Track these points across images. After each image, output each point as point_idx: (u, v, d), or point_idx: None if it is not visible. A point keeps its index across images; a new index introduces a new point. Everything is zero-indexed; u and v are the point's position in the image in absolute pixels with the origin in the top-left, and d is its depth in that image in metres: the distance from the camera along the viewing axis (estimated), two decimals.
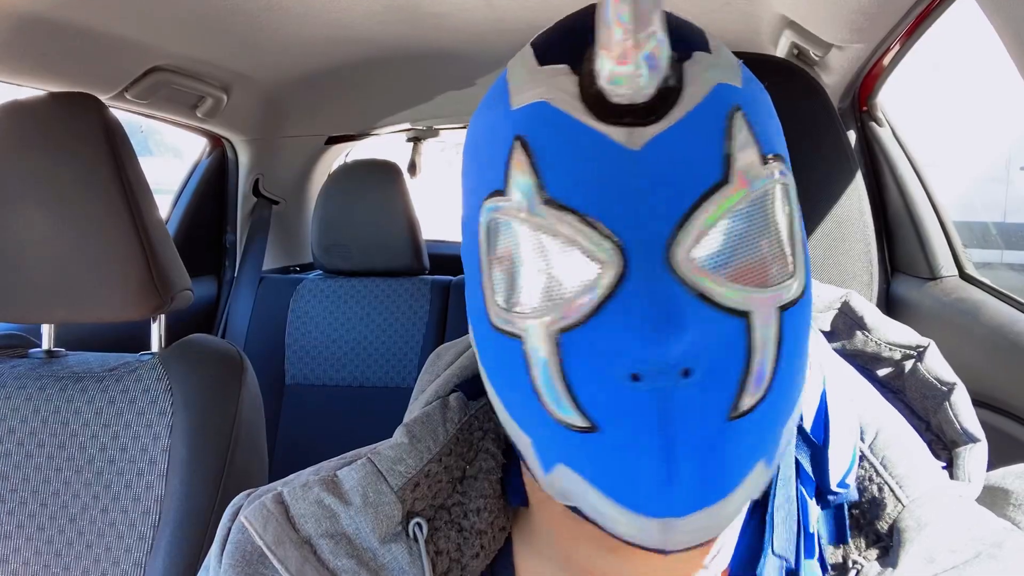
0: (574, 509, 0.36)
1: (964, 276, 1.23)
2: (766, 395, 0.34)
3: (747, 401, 0.33)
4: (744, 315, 0.33)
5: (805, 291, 0.36)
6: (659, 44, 0.31)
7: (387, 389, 1.75)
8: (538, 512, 0.43)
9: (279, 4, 1.25)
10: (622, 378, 0.32)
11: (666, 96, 0.33)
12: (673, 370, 0.32)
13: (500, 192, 0.35)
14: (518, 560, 0.44)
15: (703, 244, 0.33)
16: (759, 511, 0.42)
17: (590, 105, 0.33)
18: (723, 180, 0.33)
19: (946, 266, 1.24)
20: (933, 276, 1.24)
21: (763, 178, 0.34)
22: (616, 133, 0.33)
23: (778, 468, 0.41)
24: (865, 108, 1.35)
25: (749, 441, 0.34)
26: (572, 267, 0.33)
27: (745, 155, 0.34)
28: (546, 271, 0.34)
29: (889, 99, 1.34)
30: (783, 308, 0.35)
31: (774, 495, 0.41)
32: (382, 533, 0.40)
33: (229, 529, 0.44)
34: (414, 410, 0.47)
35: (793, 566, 0.40)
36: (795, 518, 0.41)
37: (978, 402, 0.98)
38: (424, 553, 0.40)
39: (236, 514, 0.44)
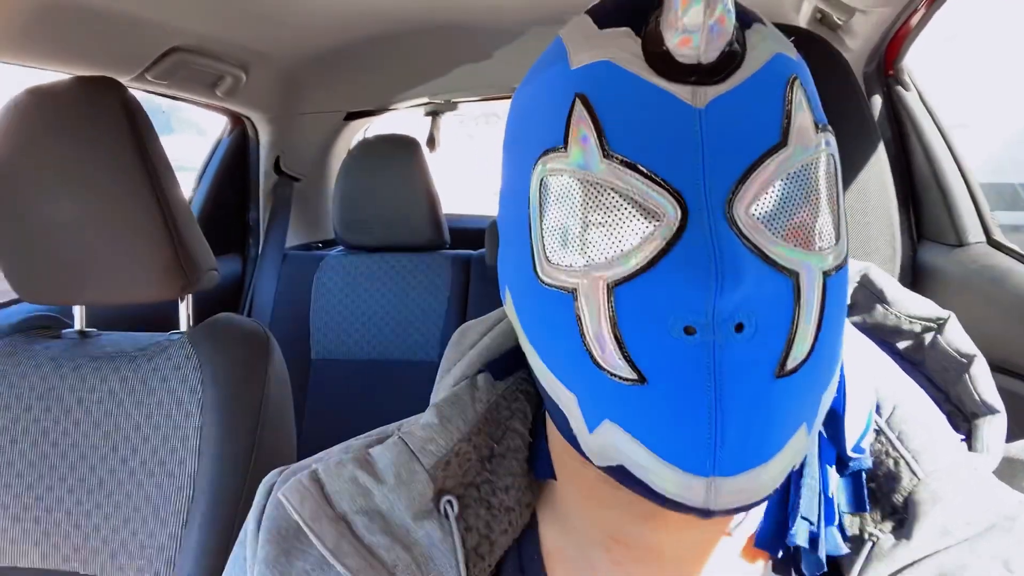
0: (614, 471, 0.36)
1: (992, 243, 1.21)
2: (809, 356, 0.35)
3: (793, 361, 0.34)
4: (794, 275, 0.34)
5: (845, 261, 0.37)
6: (726, 8, 0.32)
7: (410, 363, 1.77)
8: (566, 484, 0.44)
9: None
10: (675, 331, 0.33)
11: (729, 60, 0.34)
12: (727, 323, 0.32)
13: (558, 148, 0.36)
14: (543, 535, 0.45)
15: (760, 202, 0.34)
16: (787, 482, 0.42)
17: (654, 64, 0.34)
18: (781, 142, 0.34)
19: (973, 233, 1.22)
20: (960, 243, 1.22)
21: (816, 145, 0.35)
22: (681, 91, 0.33)
23: None
24: (891, 72, 1.31)
25: (794, 403, 0.34)
26: (631, 220, 0.34)
27: (801, 121, 0.35)
28: (604, 224, 0.35)
29: (916, 62, 1.31)
30: (827, 273, 0.35)
31: (802, 471, 0.41)
32: (415, 510, 0.42)
33: (264, 505, 0.45)
34: (440, 389, 0.49)
35: (817, 530, 0.40)
36: (817, 484, 0.41)
37: (1003, 369, 0.97)
38: (455, 529, 0.41)
39: (271, 490, 0.45)
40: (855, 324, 0.51)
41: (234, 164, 1.99)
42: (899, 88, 1.31)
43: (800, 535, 0.40)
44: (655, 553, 0.41)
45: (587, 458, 0.38)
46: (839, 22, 1.18)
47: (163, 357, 0.99)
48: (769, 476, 0.34)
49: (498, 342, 0.49)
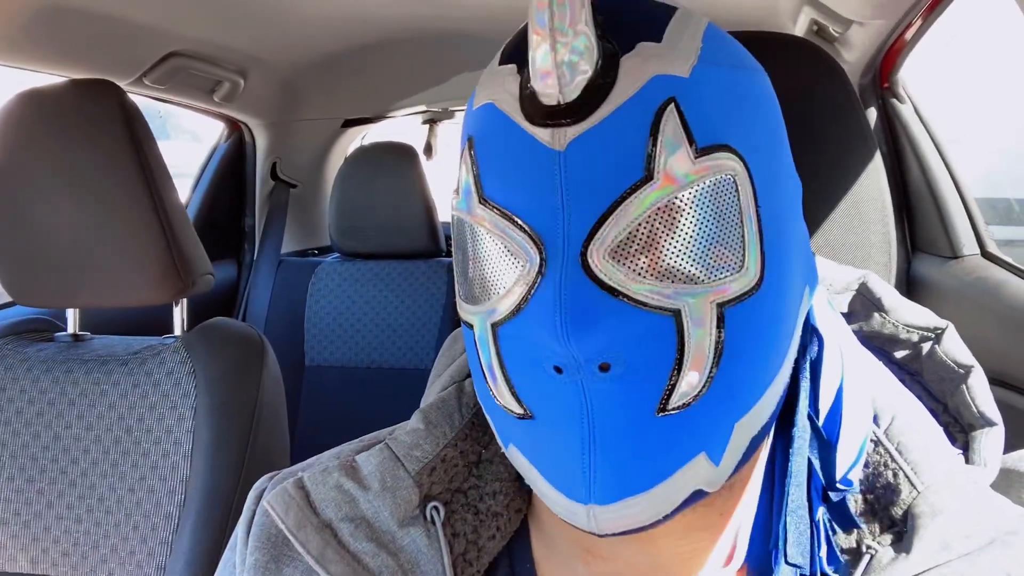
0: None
1: (986, 255, 1.21)
2: (705, 392, 0.34)
3: (679, 398, 0.34)
4: (673, 312, 0.33)
5: (761, 286, 0.35)
6: (582, 47, 0.31)
7: (404, 370, 1.77)
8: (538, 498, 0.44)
9: None
10: (547, 370, 0.34)
11: (591, 95, 0.33)
12: (589, 364, 0.33)
13: (455, 189, 0.38)
14: (534, 542, 0.45)
15: (625, 242, 0.33)
16: (771, 513, 0.42)
17: (524, 107, 0.34)
18: (646, 177, 0.33)
19: (968, 245, 1.22)
20: (954, 255, 1.23)
21: (694, 173, 0.33)
22: (542, 134, 0.33)
23: (790, 470, 0.41)
24: (886, 85, 1.32)
25: (682, 436, 0.34)
26: (502, 264, 0.35)
27: (673, 150, 0.33)
28: (484, 266, 0.36)
29: (911, 75, 1.32)
30: (723, 305, 0.34)
31: (787, 502, 0.40)
32: (400, 517, 0.42)
33: (254, 512, 0.45)
34: (431, 394, 0.48)
35: (808, 572, 0.40)
36: (807, 523, 0.41)
37: (999, 382, 0.98)
38: (441, 535, 0.41)
39: (260, 496, 0.45)
40: (852, 332, 0.50)
41: (231, 170, 1.99)
42: (894, 101, 1.32)
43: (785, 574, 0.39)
44: (632, 566, 0.41)
45: None
46: (835, 34, 1.19)
47: (156, 361, 0.99)
48: (649, 504, 0.34)
49: None
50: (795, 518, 0.40)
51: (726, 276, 0.34)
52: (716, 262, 0.34)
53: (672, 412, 0.34)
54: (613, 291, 0.33)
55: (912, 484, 0.40)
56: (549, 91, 0.32)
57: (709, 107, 0.34)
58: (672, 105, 0.33)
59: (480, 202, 0.35)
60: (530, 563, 0.44)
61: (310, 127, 2.10)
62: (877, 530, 0.41)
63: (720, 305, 0.34)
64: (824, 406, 0.42)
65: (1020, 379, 0.96)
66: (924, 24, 1.12)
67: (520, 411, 0.36)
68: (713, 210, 0.34)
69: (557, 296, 0.33)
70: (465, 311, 0.38)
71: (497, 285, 0.36)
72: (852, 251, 0.67)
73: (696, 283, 0.33)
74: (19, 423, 0.98)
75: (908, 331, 0.49)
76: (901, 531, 0.40)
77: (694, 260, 0.33)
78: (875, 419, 0.43)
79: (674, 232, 0.33)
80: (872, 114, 1.35)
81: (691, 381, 0.34)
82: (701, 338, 0.33)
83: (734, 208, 0.34)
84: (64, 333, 1.08)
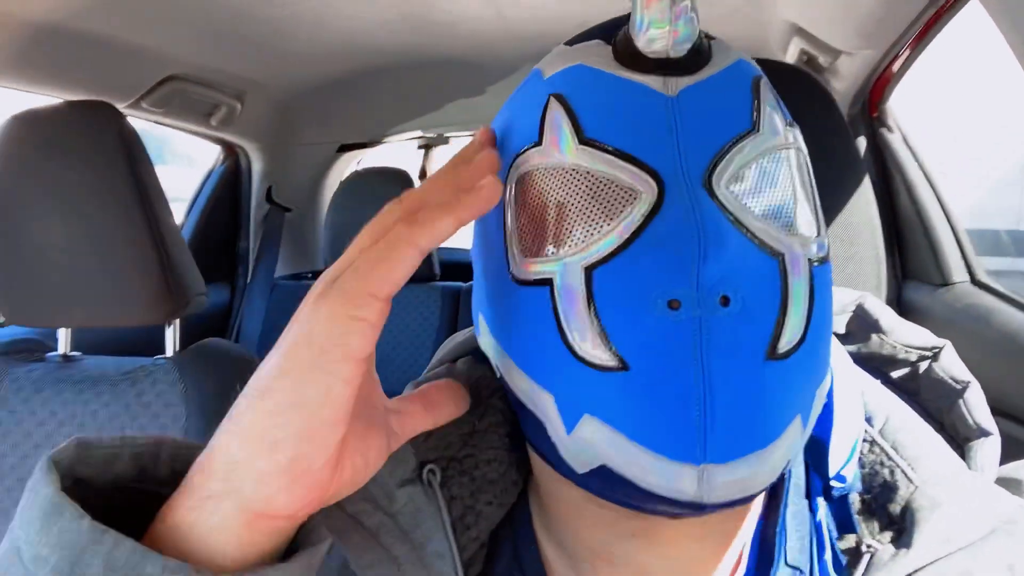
0: (595, 475, 0.35)
1: (976, 282, 1.22)
2: (802, 342, 0.34)
3: (785, 344, 0.33)
4: (778, 255, 0.34)
5: (827, 256, 0.37)
6: (692, 9, 0.33)
7: (397, 394, 1.76)
8: (553, 504, 0.43)
9: (293, 14, 1.27)
10: (658, 307, 0.32)
11: (697, 56, 0.35)
12: (712, 294, 0.31)
13: (534, 144, 0.36)
14: (539, 532, 0.44)
15: (738, 180, 0.34)
16: (771, 517, 0.42)
17: (624, 62, 0.35)
18: (753, 128, 0.35)
19: (957, 272, 1.23)
20: (944, 282, 1.24)
21: (789, 136, 0.36)
22: (652, 81, 0.34)
23: (789, 474, 0.41)
24: (875, 114, 1.34)
25: (788, 389, 0.33)
26: (606, 201, 0.34)
27: (772, 113, 0.36)
28: (578, 209, 0.35)
29: (900, 105, 1.34)
30: (812, 262, 0.35)
31: (786, 503, 0.41)
32: (399, 479, 0.41)
33: None
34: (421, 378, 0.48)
35: (807, 573, 0.40)
36: (807, 525, 0.41)
37: (991, 409, 0.98)
38: (439, 494, 0.41)
39: None
40: (851, 354, 0.50)
41: (226, 193, 1.99)
42: (883, 130, 1.34)
43: None
44: (643, 571, 0.40)
45: (566, 471, 0.36)
46: (824, 64, 1.21)
47: (147, 382, 0.98)
48: (766, 466, 0.32)
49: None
50: (795, 520, 0.40)
51: (811, 236, 0.36)
52: (806, 220, 0.36)
53: (779, 358, 0.33)
54: (736, 221, 0.33)
55: (909, 479, 0.40)
56: (658, 47, 0.34)
57: (776, 96, 0.38)
58: (763, 80, 0.37)
59: (580, 142, 0.35)
60: (536, 552, 0.43)
61: (306, 152, 2.12)
62: (876, 528, 0.41)
63: (810, 261, 0.35)
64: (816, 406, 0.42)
65: (1012, 406, 0.97)
66: (912, 54, 1.15)
67: (613, 362, 0.32)
68: (801, 173, 0.36)
69: (689, 218, 0.32)
70: (535, 268, 0.35)
71: (597, 224, 0.34)
72: (843, 276, 0.68)
73: (792, 233, 0.35)
74: (6, 444, 0.97)
75: (907, 351, 0.49)
76: (901, 527, 0.39)
77: (793, 212, 0.35)
78: (869, 420, 0.44)
79: (778, 181, 0.35)
80: (862, 143, 1.37)
81: (793, 327, 0.33)
82: (799, 287, 0.34)
83: (811, 179, 0.37)
84: (55, 353, 1.07)
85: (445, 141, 2.29)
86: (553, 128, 0.36)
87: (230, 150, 1.98)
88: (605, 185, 0.34)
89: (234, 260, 2.05)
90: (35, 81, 1.20)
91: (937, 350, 0.48)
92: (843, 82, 1.25)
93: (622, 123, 0.34)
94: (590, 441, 0.34)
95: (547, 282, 0.35)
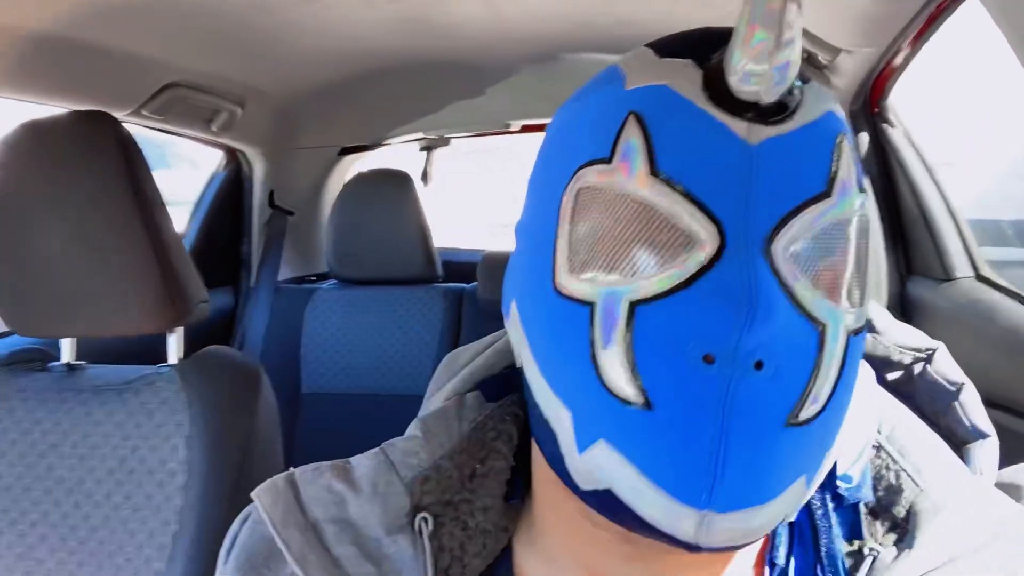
0: (599, 496, 0.35)
1: (979, 277, 1.22)
2: (823, 411, 0.34)
3: (806, 411, 0.34)
4: (820, 325, 0.34)
5: (864, 326, 0.37)
6: (793, 54, 0.32)
7: (401, 396, 1.76)
8: (546, 513, 0.43)
9: (292, 19, 1.27)
10: (693, 358, 0.32)
11: (786, 105, 0.34)
12: (748, 358, 0.32)
13: (604, 160, 0.35)
14: (518, 560, 0.44)
15: (798, 246, 0.34)
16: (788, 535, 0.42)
17: (713, 97, 0.34)
18: (826, 192, 0.34)
19: (961, 267, 1.23)
20: (948, 277, 1.24)
21: (857, 205, 0.35)
22: (736, 125, 0.34)
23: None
24: (877, 110, 1.34)
25: (799, 452, 0.34)
26: (666, 241, 0.34)
27: (846, 177, 0.35)
28: (636, 242, 0.34)
29: (901, 100, 1.33)
30: (850, 332, 0.35)
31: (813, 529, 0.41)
32: (388, 523, 0.41)
33: (237, 533, 0.44)
34: (430, 406, 0.48)
35: None
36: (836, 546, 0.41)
37: (994, 404, 0.98)
38: (428, 548, 0.40)
39: (247, 518, 0.45)
40: None
41: (228, 198, 2.00)
42: (885, 126, 1.34)
43: None
44: None
45: (569, 483, 0.37)
46: (825, 62, 1.21)
47: (151, 391, 0.99)
48: (762, 519, 0.33)
49: (491, 362, 0.48)
50: (827, 544, 0.41)
51: (855, 307, 0.36)
52: (852, 291, 0.36)
53: (798, 425, 0.33)
54: (786, 289, 0.33)
55: (915, 482, 0.41)
56: (751, 89, 0.33)
57: (855, 155, 0.37)
58: (846, 139, 0.36)
59: (651, 173, 0.34)
60: None
61: (307, 155, 2.12)
62: (880, 532, 0.41)
63: (848, 332, 0.35)
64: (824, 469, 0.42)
65: (1015, 400, 0.97)
66: (912, 51, 1.14)
67: (639, 399, 0.33)
68: (858, 244, 0.36)
69: (743, 282, 0.32)
70: (581, 288, 0.35)
71: (651, 262, 0.34)
72: None
73: (839, 305, 0.35)
74: (13, 454, 0.98)
75: (901, 352, 0.49)
76: (904, 530, 0.40)
77: (844, 283, 0.35)
78: (878, 427, 0.44)
79: (837, 251, 0.35)
80: (864, 139, 1.37)
81: (817, 397, 0.34)
82: (832, 358, 0.34)
83: (865, 249, 0.37)
84: (59, 363, 1.07)
85: (446, 142, 2.29)
86: (626, 151, 0.35)
87: (232, 155, 1.98)
88: (666, 224, 0.34)
89: (237, 264, 2.05)
90: (36, 91, 1.21)
91: (931, 352, 0.48)
92: (844, 79, 1.25)
93: (698, 165, 0.34)
94: (600, 465, 0.35)
95: (589, 304, 0.35)
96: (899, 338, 0.50)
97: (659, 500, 0.33)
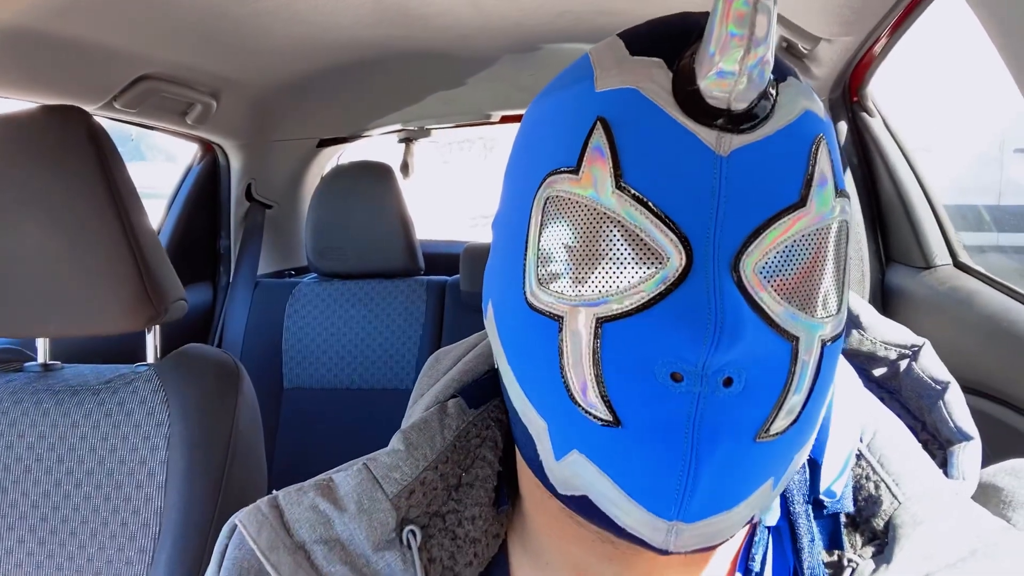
0: (577, 501, 0.36)
1: (958, 264, 1.23)
2: (795, 422, 0.34)
3: (778, 425, 0.33)
4: (793, 339, 0.33)
5: (841, 332, 0.37)
6: (765, 57, 0.30)
7: (385, 391, 1.75)
8: (535, 515, 0.43)
9: (266, 8, 1.25)
10: (660, 376, 0.32)
11: (759, 110, 0.33)
12: (716, 376, 0.31)
13: (571, 170, 0.34)
14: (514, 566, 0.44)
15: (769, 260, 0.33)
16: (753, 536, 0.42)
17: (682, 102, 0.33)
18: (799, 202, 0.33)
19: (940, 255, 1.24)
20: (927, 265, 1.25)
21: (833, 210, 0.34)
22: (706, 135, 0.32)
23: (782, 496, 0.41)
24: (856, 99, 1.35)
25: (767, 462, 0.34)
26: (632, 258, 0.33)
27: (823, 184, 0.34)
28: (603, 257, 0.33)
29: (879, 89, 1.34)
30: (824, 342, 0.35)
31: (793, 535, 0.41)
32: (375, 540, 0.40)
33: (226, 546, 0.44)
34: (413, 414, 0.47)
35: None
36: (790, 542, 0.41)
37: (974, 391, 0.99)
38: (417, 560, 0.40)
39: (234, 530, 0.44)
40: None
41: (205, 191, 1.97)
42: (864, 114, 1.34)
43: None
44: None
45: (549, 486, 0.37)
46: (804, 51, 1.21)
47: (128, 390, 0.97)
48: (727, 523, 0.34)
49: (472, 366, 0.48)
50: (809, 556, 0.41)
51: (830, 316, 0.35)
52: (830, 300, 0.35)
53: (768, 439, 0.33)
54: (755, 306, 0.32)
55: (893, 495, 0.41)
56: (721, 94, 0.31)
57: (835, 154, 0.36)
58: (823, 142, 0.34)
59: (617, 188, 0.33)
60: None
61: (285, 147, 2.09)
62: (859, 543, 0.41)
63: (823, 341, 0.35)
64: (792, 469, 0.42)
65: (995, 387, 0.98)
66: (891, 40, 1.15)
67: (607, 417, 0.33)
68: (836, 250, 0.35)
69: (709, 301, 0.31)
70: (551, 302, 0.35)
71: (619, 278, 0.33)
72: None
73: (815, 316, 0.34)
74: None
75: (886, 348, 0.49)
76: (883, 543, 0.40)
77: (819, 293, 0.34)
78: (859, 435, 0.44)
79: (812, 262, 0.34)
80: (843, 128, 1.37)
81: (790, 410, 0.34)
82: (805, 369, 0.34)
83: (845, 253, 0.36)
84: (34, 363, 1.05)
85: (426, 134, 2.27)
86: (593, 162, 0.34)
87: (207, 148, 1.95)
88: (633, 239, 0.33)
89: (215, 259, 2.03)
90: (4, 86, 1.18)
91: (916, 348, 0.48)
92: (823, 68, 1.25)
93: (665, 177, 0.32)
94: (576, 473, 0.35)
95: (558, 318, 0.35)
96: (885, 334, 0.50)
97: (632, 509, 0.33)
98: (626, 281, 0.33)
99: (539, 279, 0.35)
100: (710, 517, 0.33)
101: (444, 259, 2.14)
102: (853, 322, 0.51)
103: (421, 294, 1.81)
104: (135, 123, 1.56)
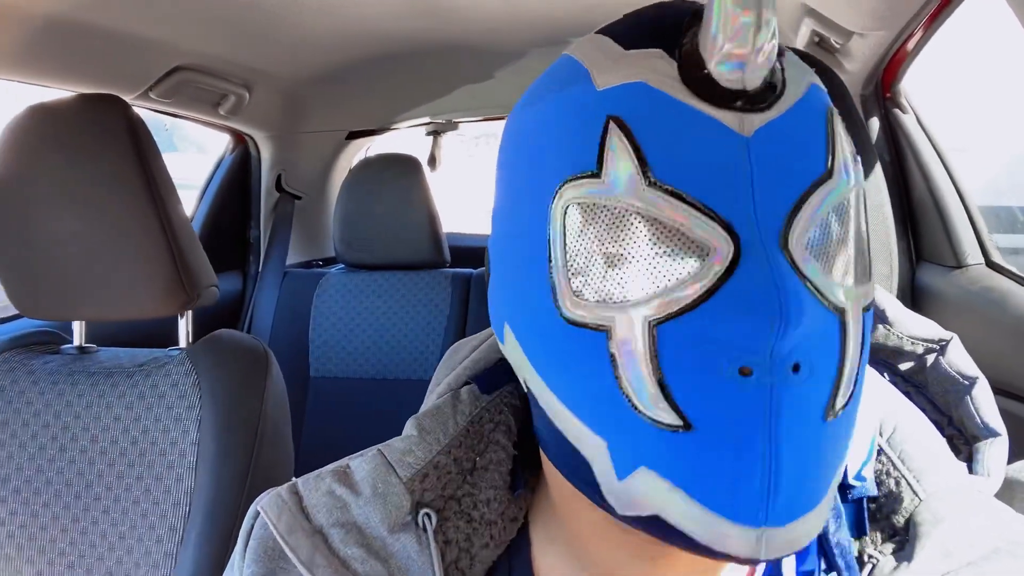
0: (643, 521, 0.34)
1: (990, 264, 1.21)
2: (852, 395, 0.33)
3: (840, 400, 0.33)
4: (840, 311, 0.32)
5: (873, 297, 0.36)
6: (772, 32, 0.30)
7: (410, 381, 1.77)
8: (571, 521, 0.43)
9: (299, 2, 1.26)
10: (728, 373, 0.31)
11: (772, 87, 0.32)
12: (785, 363, 0.30)
13: (591, 174, 0.33)
14: (536, 553, 0.44)
15: (810, 234, 0.32)
16: None
17: (695, 88, 0.32)
18: (827, 174, 0.33)
19: (972, 254, 1.22)
20: (959, 264, 1.23)
21: (856, 176, 0.34)
22: (726, 117, 0.31)
23: None
24: (889, 95, 1.33)
25: (839, 444, 0.33)
26: (677, 253, 0.32)
27: (844, 152, 0.34)
28: (645, 257, 0.32)
29: (913, 85, 1.32)
30: (864, 309, 0.34)
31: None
32: (391, 523, 0.41)
33: (252, 526, 0.45)
34: (428, 403, 0.48)
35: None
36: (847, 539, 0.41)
37: (1003, 391, 0.97)
38: (432, 542, 0.41)
39: (257, 515, 0.45)
40: None
41: (236, 182, 2.00)
42: (896, 111, 1.32)
43: None
44: None
45: (606, 508, 0.35)
46: (836, 45, 1.19)
47: (161, 373, 0.99)
48: (817, 520, 0.32)
49: (484, 355, 0.48)
50: (839, 539, 0.40)
51: (866, 282, 0.35)
52: (863, 267, 0.35)
53: (836, 416, 0.32)
54: (808, 282, 0.31)
55: (914, 492, 0.40)
56: (735, 75, 0.31)
57: (843, 124, 0.35)
58: (835, 112, 0.34)
59: (649, 185, 0.32)
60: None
61: (315, 139, 2.12)
62: (879, 539, 0.41)
63: (863, 309, 0.34)
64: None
65: None
66: (926, 34, 1.13)
67: (676, 422, 0.31)
68: (860, 216, 0.35)
69: (767, 286, 0.30)
70: (592, 312, 0.33)
71: (666, 276, 0.32)
72: None
73: (853, 284, 0.34)
74: (25, 435, 0.99)
75: (913, 343, 0.49)
76: (903, 540, 0.39)
77: (856, 261, 0.34)
78: (879, 428, 0.43)
79: (845, 231, 0.34)
80: (875, 125, 1.35)
81: (848, 383, 0.33)
82: (856, 339, 0.33)
83: (865, 219, 0.36)
84: (70, 346, 1.08)
85: (454, 127, 2.28)
86: (616, 162, 0.32)
87: (239, 139, 1.98)
88: (674, 235, 0.32)
89: (245, 248, 2.06)
90: (45, 74, 1.21)
91: (944, 343, 0.48)
92: (855, 63, 1.23)
93: (694, 166, 0.31)
94: (645, 492, 0.33)
95: (604, 329, 0.33)
96: (911, 328, 0.49)
97: (713, 523, 0.31)
98: (675, 278, 0.32)
99: (575, 291, 0.34)
100: (801, 517, 0.31)
101: (470, 252, 2.15)
102: (879, 316, 0.50)
103: (446, 286, 1.83)
104: (170, 113, 1.59)
